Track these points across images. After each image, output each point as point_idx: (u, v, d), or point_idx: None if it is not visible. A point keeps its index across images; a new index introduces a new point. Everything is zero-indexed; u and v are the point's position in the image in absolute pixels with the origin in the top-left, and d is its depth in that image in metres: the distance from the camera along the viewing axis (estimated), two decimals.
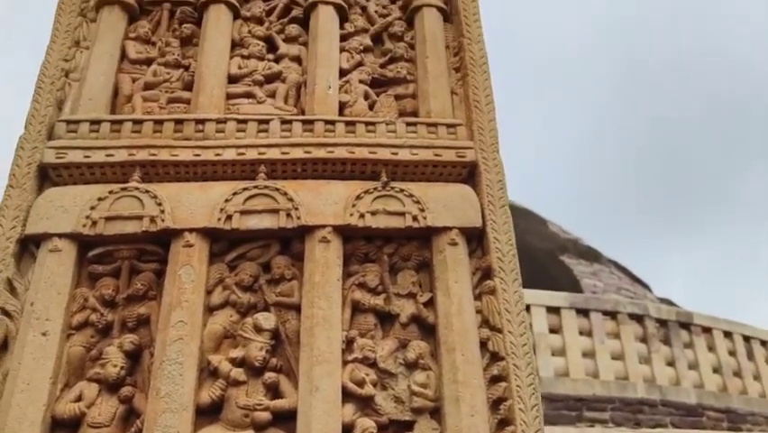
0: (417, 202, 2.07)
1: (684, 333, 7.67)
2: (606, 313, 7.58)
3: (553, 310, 7.23)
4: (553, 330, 7.13)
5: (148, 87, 2.29)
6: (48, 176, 2.09)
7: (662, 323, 7.62)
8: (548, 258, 11.20)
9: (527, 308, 5.71)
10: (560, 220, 13.37)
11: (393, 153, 2.15)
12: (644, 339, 7.43)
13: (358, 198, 2.06)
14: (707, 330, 7.77)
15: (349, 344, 1.90)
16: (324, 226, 2.01)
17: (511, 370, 1.83)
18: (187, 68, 2.34)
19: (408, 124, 2.21)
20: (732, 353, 7.80)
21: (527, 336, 1.90)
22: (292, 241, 2.05)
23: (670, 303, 10.87)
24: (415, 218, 2.04)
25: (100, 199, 2.01)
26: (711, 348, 7.69)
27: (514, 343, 1.88)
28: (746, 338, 8.04)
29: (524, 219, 10.67)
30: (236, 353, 1.85)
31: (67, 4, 2.36)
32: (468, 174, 2.18)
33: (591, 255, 12.26)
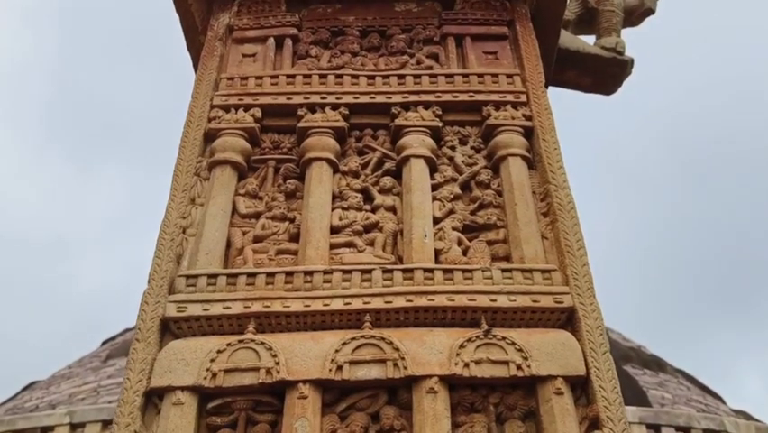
0: (520, 350, 2.12)
1: None
2: (678, 429, 7.22)
3: None
4: None
5: (257, 239, 2.48)
6: (169, 328, 2.24)
7: None
8: None
9: None
10: (620, 327, 12.97)
11: (492, 300, 2.24)
12: None
13: (461, 346, 2.13)
14: None
15: None
16: (430, 376, 2.07)
17: None
18: (292, 220, 2.53)
19: (504, 270, 2.31)
20: None
21: None
22: (399, 390, 2.11)
23: (747, 416, 10.22)
24: (519, 367, 2.09)
25: (219, 352, 2.14)
26: None
27: None
28: None
29: None
30: None
31: (183, 166, 2.61)
32: (566, 320, 2.24)
33: (657, 364, 11.77)
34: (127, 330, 11.71)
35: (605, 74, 3.73)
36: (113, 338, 12.29)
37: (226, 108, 2.74)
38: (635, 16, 4.02)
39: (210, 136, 2.69)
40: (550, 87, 3.48)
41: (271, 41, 2.98)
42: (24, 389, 11.17)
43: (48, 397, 10.25)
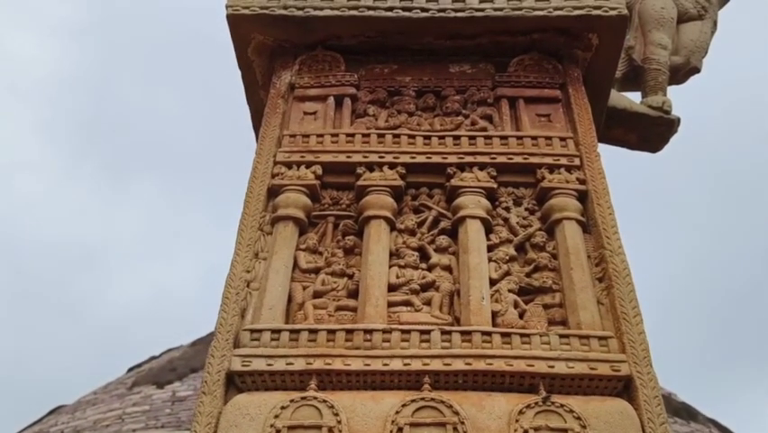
0: (578, 418, 2.15)
1: None
2: None
3: None
4: None
5: (317, 295, 2.55)
6: (233, 382, 2.31)
7: None
8: None
9: None
10: None
11: (550, 367, 2.27)
12: None
13: (520, 412, 2.16)
14: None
15: None
16: None
17: None
18: (351, 276, 2.60)
19: (561, 336, 2.35)
20: None
21: None
22: None
23: None
24: None
25: (282, 408, 2.19)
26: None
27: None
28: None
29: None
30: None
31: (248, 221, 2.71)
32: (623, 388, 2.26)
33: (687, 413, 11.52)
34: (153, 358, 11.82)
35: (651, 132, 3.80)
36: (139, 365, 12.41)
37: (289, 165, 2.85)
38: (680, 75, 4.09)
39: (273, 192, 2.79)
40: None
41: (331, 99, 3.09)
42: (50, 413, 11.30)
43: (73, 422, 10.35)
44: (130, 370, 12.49)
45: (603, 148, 3.93)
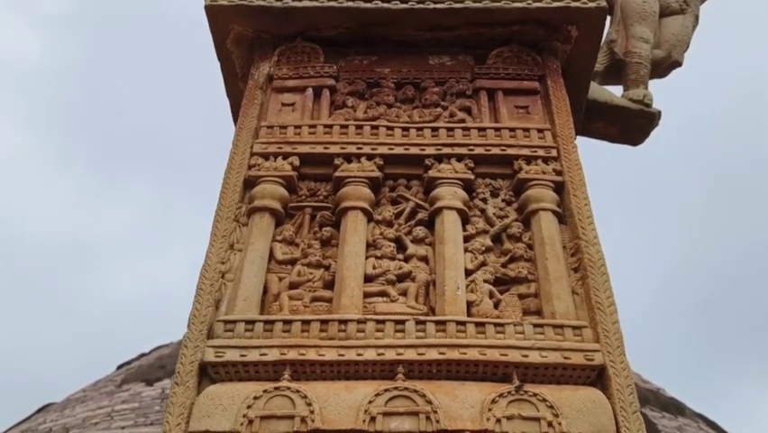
0: (551, 407, 2.15)
1: None
2: None
3: None
4: None
5: (293, 286, 2.54)
6: (207, 373, 2.30)
7: None
8: None
9: None
10: (639, 368, 12.80)
11: (523, 356, 2.27)
12: None
13: (493, 401, 2.16)
14: None
15: None
16: (462, 431, 2.10)
17: None
18: (327, 267, 2.59)
19: (536, 325, 2.35)
20: None
21: None
22: None
23: None
24: (550, 424, 2.11)
25: (255, 398, 2.18)
26: None
27: None
28: None
29: None
30: None
31: (224, 212, 2.69)
32: (596, 377, 2.26)
33: (676, 408, 11.57)
34: (142, 355, 11.78)
35: (632, 126, 3.80)
36: (128, 363, 12.36)
37: (266, 156, 2.84)
38: (662, 68, 4.09)
39: (249, 183, 2.78)
40: (578, 137, 3.56)
41: (310, 91, 3.08)
42: (39, 411, 11.24)
43: (62, 420, 10.30)
44: (119, 367, 12.43)
45: (598, 144, 3.96)
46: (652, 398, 11.75)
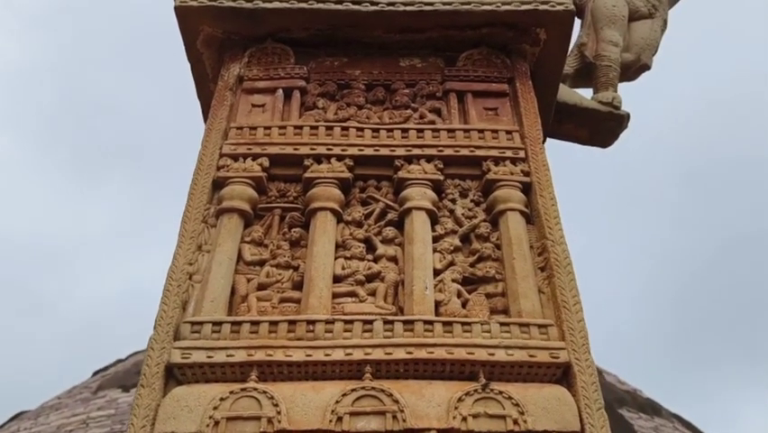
0: (517, 405, 2.17)
1: None
2: None
3: None
4: None
5: (261, 287, 2.53)
6: (173, 375, 2.28)
7: None
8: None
9: None
10: (616, 369, 12.92)
11: (490, 354, 2.29)
12: None
13: (459, 400, 2.17)
14: None
15: None
16: (428, 430, 2.11)
17: None
18: (296, 268, 2.59)
19: (502, 324, 2.37)
20: None
21: None
22: None
23: None
24: (515, 422, 2.13)
25: (221, 400, 2.17)
26: None
27: None
28: None
29: None
30: None
31: (192, 213, 2.68)
32: (561, 375, 2.29)
33: (652, 408, 11.71)
34: (119, 361, 11.63)
35: (602, 128, 3.85)
36: (105, 369, 12.19)
37: (235, 157, 2.83)
38: (631, 71, 4.15)
39: (218, 184, 2.77)
40: (548, 139, 3.60)
41: (280, 92, 3.08)
42: (12, 419, 11.03)
43: (36, 428, 10.12)
44: (95, 373, 12.26)
45: (568, 146, 3.99)
46: (629, 399, 11.87)
